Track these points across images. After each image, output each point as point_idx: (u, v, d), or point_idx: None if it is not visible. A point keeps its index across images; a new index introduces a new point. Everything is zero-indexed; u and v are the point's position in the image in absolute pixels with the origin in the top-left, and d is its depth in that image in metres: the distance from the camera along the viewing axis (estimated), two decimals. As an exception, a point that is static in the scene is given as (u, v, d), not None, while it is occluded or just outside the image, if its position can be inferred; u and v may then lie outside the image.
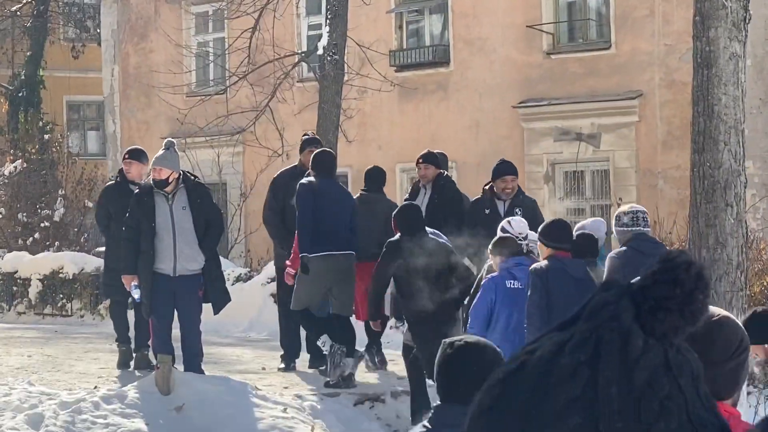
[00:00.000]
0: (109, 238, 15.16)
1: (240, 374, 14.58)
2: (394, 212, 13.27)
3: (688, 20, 23.24)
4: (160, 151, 13.80)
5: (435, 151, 16.33)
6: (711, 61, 12.36)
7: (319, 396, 13.73)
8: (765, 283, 14.74)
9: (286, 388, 13.99)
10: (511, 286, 11.59)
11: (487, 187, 14.92)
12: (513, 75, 26.03)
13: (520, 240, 11.94)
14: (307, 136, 16.23)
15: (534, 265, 11.32)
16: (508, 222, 12.34)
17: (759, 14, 20.59)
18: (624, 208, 12.10)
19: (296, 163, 15.97)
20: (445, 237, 13.02)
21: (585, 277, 11.05)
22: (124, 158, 15.29)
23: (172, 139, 14.61)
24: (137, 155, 15.28)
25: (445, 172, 15.96)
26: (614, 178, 24.63)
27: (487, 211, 14.37)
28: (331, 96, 22.27)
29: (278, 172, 16.18)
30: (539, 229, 11.68)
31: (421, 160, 15.67)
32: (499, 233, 12.08)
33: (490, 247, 11.83)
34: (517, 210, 14.12)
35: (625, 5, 24.57)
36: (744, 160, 12.64)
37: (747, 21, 12.43)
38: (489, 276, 11.84)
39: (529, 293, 11.16)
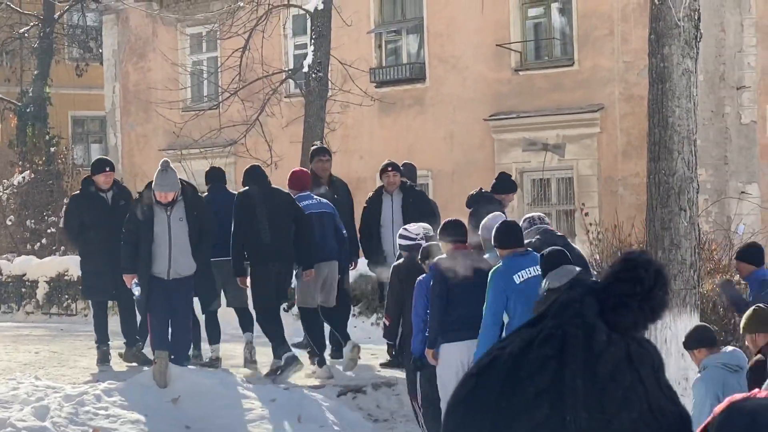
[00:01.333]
0: (84, 245, 15.02)
1: (233, 368, 14.55)
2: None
3: (644, 39, 23.17)
4: (162, 172, 13.69)
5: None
6: (665, 76, 12.38)
7: (305, 388, 13.71)
8: (716, 282, 14.74)
9: (274, 380, 13.95)
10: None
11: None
12: (484, 90, 26.03)
13: (418, 240, 12.42)
14: (315, 146, 16.22)
15: (435, 260, 11.52)
16: (406, 228, 12.85)
17: (709, 33, 20.67)
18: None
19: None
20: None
21: (485, 267, 11.20)
22: (103, 170, 14.97)
23: (167, 159, 14.61)
24: (113, 167, 15.38)
25: (408, 182, 15.71)
26: (578, 185, 24.65)
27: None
28: (316, 110, 22.28)
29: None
30: (439, 229, 11.88)
31: (390, 169, 15.49)
32: (399, 240, 12.72)
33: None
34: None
35: (587, 25, 24.59)
36: (696, 168, 12.66)
37: (698, 39, 12.45)
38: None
39: (432, 284, 11.39)
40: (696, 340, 9.88)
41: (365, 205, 15.74)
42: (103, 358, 15.01)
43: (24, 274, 23.70)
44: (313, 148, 16.34)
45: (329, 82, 22.91)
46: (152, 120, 31.55)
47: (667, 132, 12.37)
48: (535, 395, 1.51)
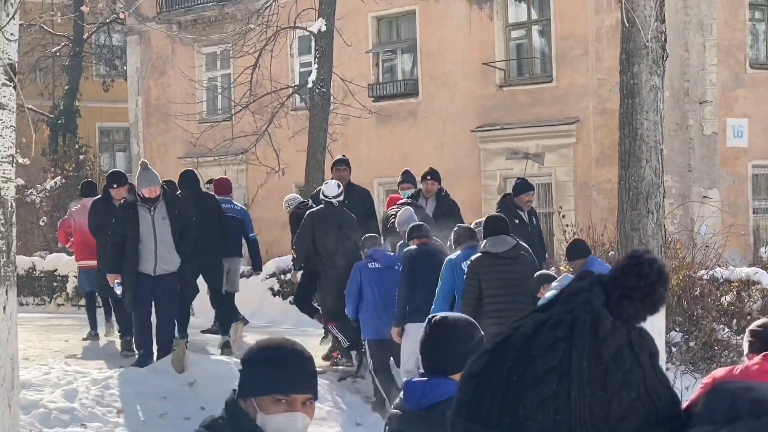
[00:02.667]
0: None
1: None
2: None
3: (616, 58, 23.20)
4: (144, 172, 13.69)
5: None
6: (635, 92, 12.37)
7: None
8: (680, 278, 14.74)
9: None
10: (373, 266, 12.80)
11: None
12: (471, 104, 26.04)
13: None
14: (337, 158, 16.12)
15: (405, 250, 12.35)
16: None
17: (675, 53, 20.65)
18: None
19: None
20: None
21: (442, 254, 12.06)
22: (121, 184, 15.07)
23: (146, 161, 14.69)
24: (126, 180, 15.46)
25: (444, 190, 15.50)
26: (556, 190, 24.66)
27: (516, 221, 14.09)
28: (319, 122, 22.27)
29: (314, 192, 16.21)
30: (407, 230, 12.56)
31: (429, 177, 15.21)
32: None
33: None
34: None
35: (564, 46, 24.60)
36: (663, 175, 12.65)
37: (665, 59, 12.45)
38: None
39: (401, 269, 12.26)
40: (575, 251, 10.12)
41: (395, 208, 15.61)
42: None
43: (55, 270, 23.71)
44: (335, 159, 16.27)
45: (331, 97, 22.90)
46: (171, 131, 31.55)
47: (636, 142, 12.36)
48: (544, 372, 1.53)
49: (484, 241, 11.32)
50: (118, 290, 13.53)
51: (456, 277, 11.49)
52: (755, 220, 23.21)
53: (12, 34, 9.04)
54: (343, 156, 16.35)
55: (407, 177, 15.76)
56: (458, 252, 11.76)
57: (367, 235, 13.28)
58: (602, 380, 1.56)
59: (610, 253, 15.97)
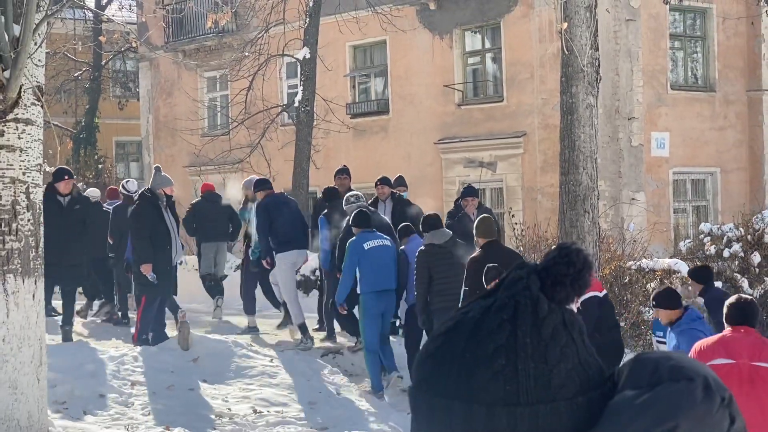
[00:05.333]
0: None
1: (239, 336, 14.50)
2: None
3: (557, 81, 23.34)
4: (159, 174, 13.51)
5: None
6: (573, 109, 12.40)
7: (295, 351, 13.67)
8: (612, 267, 14.78)
9: (272, 345, 13.91)
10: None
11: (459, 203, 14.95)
12: (434, 120, 26.04)
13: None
14: (339, 168, 15.98)
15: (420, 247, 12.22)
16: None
17: (607, 76, 20.72)
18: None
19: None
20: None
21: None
22: (63, 178, 13.86)
23: (159, 165, 14.59)
24: (71, 175, 14.33)
25: (398, 193, 15.34)
26: (506, 194, 24.67)
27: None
28: (304, 136, 22.27)
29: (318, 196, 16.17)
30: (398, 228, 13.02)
31: (378, 183, 15.15)
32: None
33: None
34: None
35: (513, 71, 24.63)
36: (597, 180, 12.69)
37: (598, 81, 12.49)
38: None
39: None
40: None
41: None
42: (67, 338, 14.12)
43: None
44: (337, 169, 16.07)
45: (315, 114, 22.88)
46: (177, 143, 31.45)
47: (574, 152, 12.39)
48: (494, 350, 1.53)
49: (427, 235, 11.76)
50: (152, 279, 13.20)
51: (360, 256, 12.22)
52: (675, 219, 23.32)
53: (39, 60, 8.99)
54: (344, 166, 16.17)
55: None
56: (360, 235, 12.41)
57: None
58: (543, 354, 1.57)
59: (552, 247, 15.97)
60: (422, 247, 11.78)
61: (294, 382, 12.28)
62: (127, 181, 16.31)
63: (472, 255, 11.03)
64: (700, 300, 10.30)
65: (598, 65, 12.45)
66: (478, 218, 11.60)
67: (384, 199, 15.08)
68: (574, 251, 1.63)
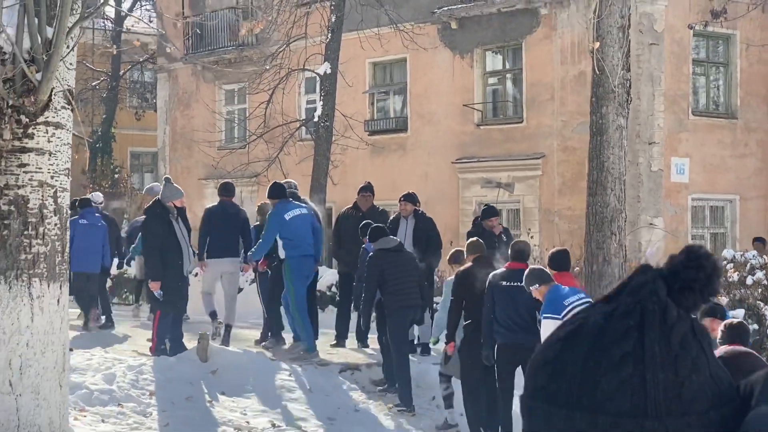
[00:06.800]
0: None
1: (256, 347, 14.35)
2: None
3: (578, 103, 23.28)
4: (170, 186, 13.32)
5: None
6: (603, 130, 12.26)
7: (314, 365, 13.51)
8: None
9: (292, 359, 13.75)
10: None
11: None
12: (452, 140, 25.93)
13: None
14: (363, 185, 15.81)
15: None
16: None
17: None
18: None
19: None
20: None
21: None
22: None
23: (169, 176, 14.44)
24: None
25: (421, 210, 15.25)
26: (523, 215, 24.53)
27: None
28: (323, 151, 22.15)
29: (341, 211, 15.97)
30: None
31: (402, 199, 15.00)
32: None
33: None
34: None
35: (533, 92, 24.52)
36: (625, 202, 12.53)
37: (629, 102, 12.34)
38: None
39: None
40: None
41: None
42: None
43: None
44: (360, 186, 15.87)
45: (333, 130, 22.77)
46: (194, 155, 31.38)
47: (602, 173, 12.25)
48: (620, 357, 1.42)
49: (377, 242, 12.54)
50: (158, 296, 13.00)
51: (282, 225, 13.38)
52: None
53: (71, 64, 8.89)
54: (368, 183, 15.95)
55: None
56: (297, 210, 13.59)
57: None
58: (673, 365, 1.46)
59: (575, 269, 15.80)
60: (372, 253, 12.54)
61: (313, 398, 12.15)
62: (92, 194, 17.07)
63: (461, 267, 11.44)
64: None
65: (629, 86, 12.31)
66: (468, 241, 11.92)
67: (406, 216, 14.91)
68: (704, 255, 1.52)
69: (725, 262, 15.91)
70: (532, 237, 21.67)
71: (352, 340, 15.11)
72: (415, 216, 14.91)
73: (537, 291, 9.82)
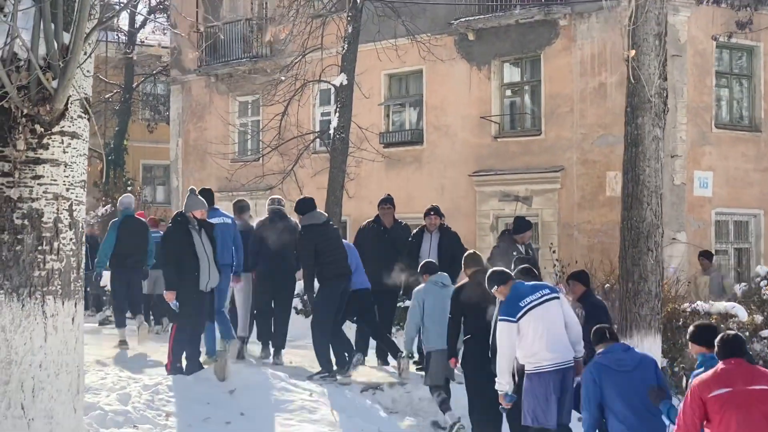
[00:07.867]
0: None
1: (275, 366, 13.80)
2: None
3: (598, 116, 22.77)
4: (194, 197, 12.88)
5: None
6: (638, 141, 11.72)
7: (335, 385, 13.00)
8: (668, 309, 14.02)
9: (312, 378, 13.20)
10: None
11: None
12: (469, 152, 25.43)
13: None
14: (383, 198, 15.32)
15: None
16: None
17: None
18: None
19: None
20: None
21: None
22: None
23: (194, 187, 13.87)
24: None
25: (446, 224, 14.78)
26: (542, 229, 23.98)
27: (514, 253, 13.28)
28: (338, 164, 21.71)
29: (361, 225, 15.43)
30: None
31: (432, 213, 14.55)
32: None
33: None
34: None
35: (552, 104, 24.02)
36: (661, 217, 11.97)
37: (665, 112, 11.80)
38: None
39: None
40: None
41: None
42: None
43: (105, 285, 22.92)
44: (380, 198, 15.42)
45: (349, 142, 22.31)
46: (207, 168, 30.98)
47: (638, 186, 11.70)
48: None
49: (305, 216, 13.05)
50: (174, 307, 12.61)
51: None
52: (717, 260, 22.49)
53: (88, 71, 8.37)
54: (388, 195, 15.47)
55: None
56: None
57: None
58: None
59: (605, 286, 15.24)
60: (301, 230, 13.11)
61: (335, 418, 11.62)
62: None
63: (460, 282, 11.51)
64: (579, 311, 10.81)
65: (666, 96, 11.76)
66: (466, 253, 11.83)
67: (432, 230, 14.39)
68: None
69: (758, 279, 15.35)
70: (554, 252, 21.11)
71: (372, 357, 14.62)
72: (440, 230, 14.42)
73: (497, 292, 10.06)
